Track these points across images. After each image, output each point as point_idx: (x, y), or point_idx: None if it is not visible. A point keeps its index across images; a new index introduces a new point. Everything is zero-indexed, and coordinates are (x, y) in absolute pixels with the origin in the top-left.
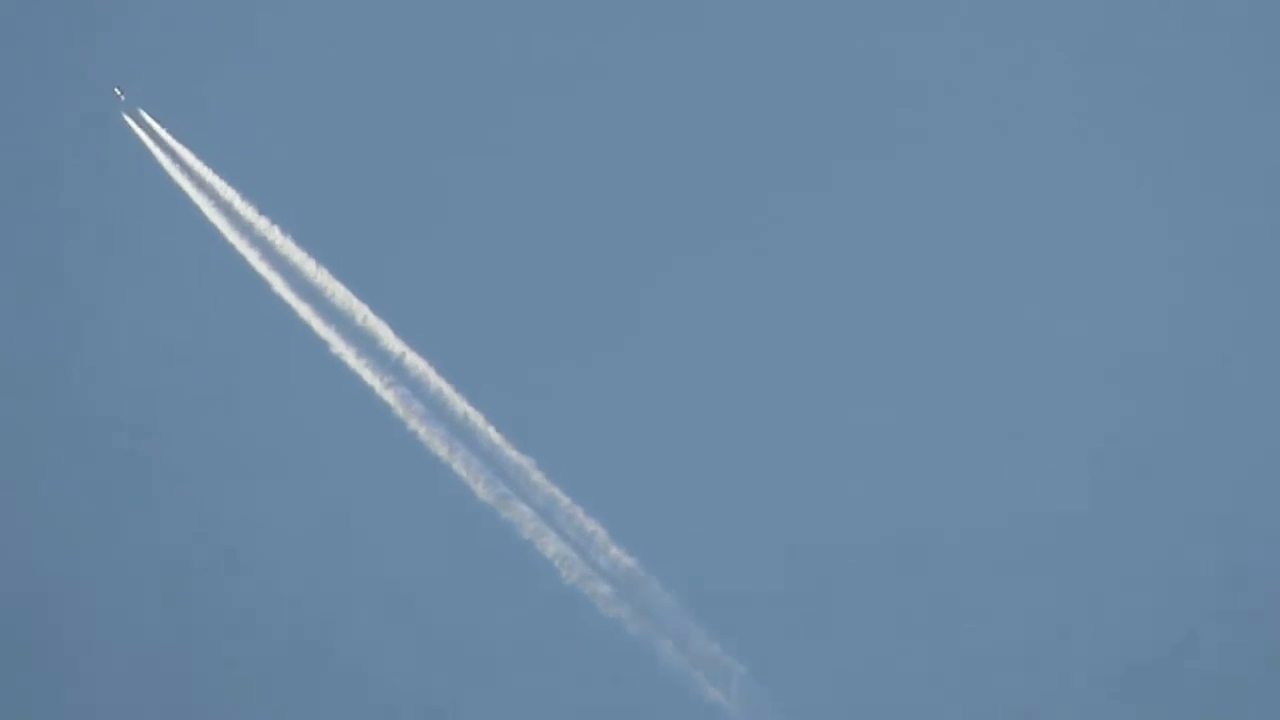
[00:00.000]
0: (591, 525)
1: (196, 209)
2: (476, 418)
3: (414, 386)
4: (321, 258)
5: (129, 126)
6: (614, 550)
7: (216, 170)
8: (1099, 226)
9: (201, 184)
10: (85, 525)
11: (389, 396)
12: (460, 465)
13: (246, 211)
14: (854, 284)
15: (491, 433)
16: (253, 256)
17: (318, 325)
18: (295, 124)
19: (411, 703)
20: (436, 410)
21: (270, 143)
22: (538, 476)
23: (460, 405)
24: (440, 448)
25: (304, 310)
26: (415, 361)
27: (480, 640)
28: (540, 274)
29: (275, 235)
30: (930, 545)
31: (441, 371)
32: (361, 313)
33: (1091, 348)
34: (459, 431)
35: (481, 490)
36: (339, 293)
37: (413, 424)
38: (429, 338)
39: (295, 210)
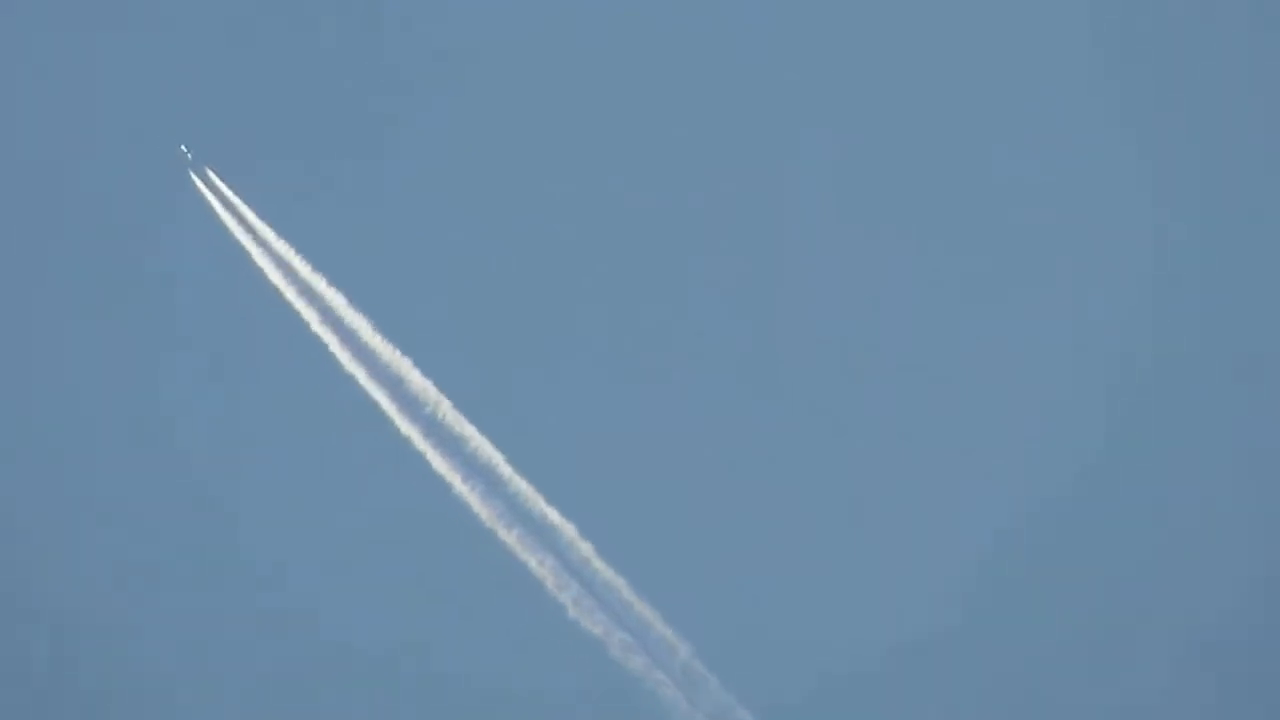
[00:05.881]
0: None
1: (259, 269)
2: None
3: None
4: (380, 322)
5: (195, 185)
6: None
7: (280, 231)
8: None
9: (265, 244)
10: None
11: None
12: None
13: (306, 271)
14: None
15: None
16: (312, 318)
17: (380, 396)
18: (360, 184)
19: None
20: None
21: (334, 205)
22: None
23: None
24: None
25: (360, 373)
26: (470, 433)
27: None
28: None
29: (334, 296)
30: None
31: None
32: (415, 377)
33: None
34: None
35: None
36: (395, 359)
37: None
38: (476, 409)
39: (357, 274)
